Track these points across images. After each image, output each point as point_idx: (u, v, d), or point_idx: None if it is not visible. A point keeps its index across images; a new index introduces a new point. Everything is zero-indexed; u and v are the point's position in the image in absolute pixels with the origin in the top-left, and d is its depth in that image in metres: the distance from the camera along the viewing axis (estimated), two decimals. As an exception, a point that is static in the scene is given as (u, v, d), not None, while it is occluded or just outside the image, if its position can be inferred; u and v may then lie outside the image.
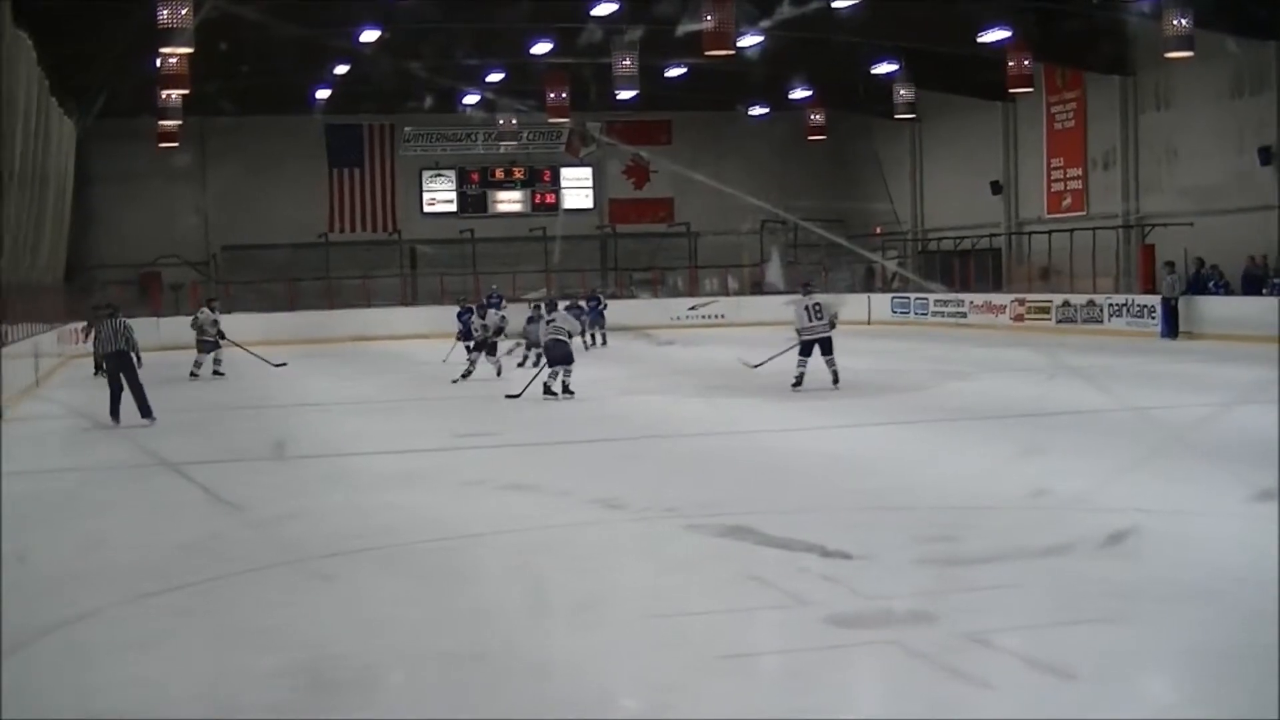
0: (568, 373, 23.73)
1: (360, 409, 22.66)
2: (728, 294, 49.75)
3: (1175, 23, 33.11)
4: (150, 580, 10.63)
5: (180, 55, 29.72)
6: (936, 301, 45.90)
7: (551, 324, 24.31)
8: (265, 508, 13.76)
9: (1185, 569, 10.06)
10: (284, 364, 28.87)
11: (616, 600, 9.86)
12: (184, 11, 26.93)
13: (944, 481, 14.45)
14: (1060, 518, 12.13)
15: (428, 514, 13.16)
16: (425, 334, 36.72)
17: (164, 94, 36.97)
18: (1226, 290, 36.05)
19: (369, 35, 36.59)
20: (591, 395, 24.82)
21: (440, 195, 56.36)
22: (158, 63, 31.61)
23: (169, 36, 27.47)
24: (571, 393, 23.67)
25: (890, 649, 8.33)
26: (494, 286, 44.67)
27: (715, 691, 7.77)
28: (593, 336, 37.28)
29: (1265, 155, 36.47)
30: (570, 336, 24.50)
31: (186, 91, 34.39)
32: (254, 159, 51.53)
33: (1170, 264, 38.16)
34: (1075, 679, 7.72)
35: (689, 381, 27.28)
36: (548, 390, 23.64)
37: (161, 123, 41.92)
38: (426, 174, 56.12)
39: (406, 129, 55.03)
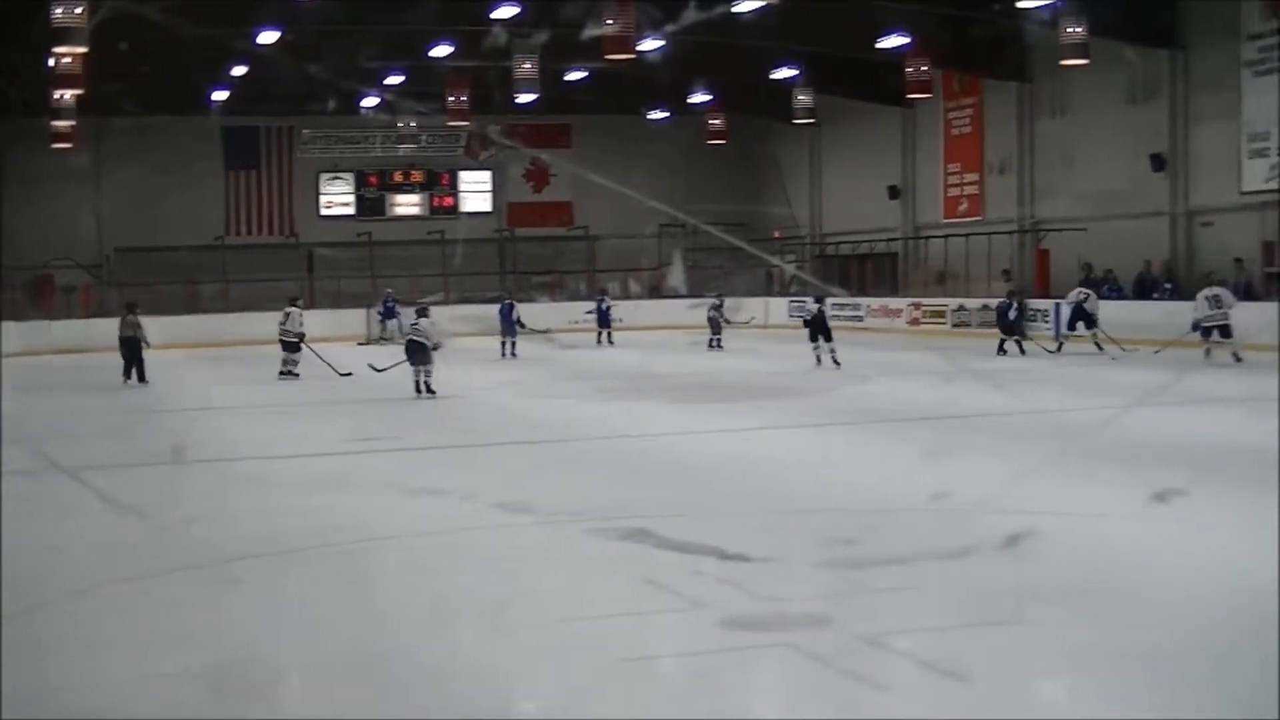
0: (427, 373, 25.34)
1: (262, 412, 22.54)
2: (628, 297, 49.69)
3: (1071, 30, 33.49)
4: (51, 586, 10.52)
5: (75, 55, 29.40)
6: (833, 305, 46.15)
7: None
8: (168, 512, 13.66)
9: (1083, 571, 10.17)
10: None
11: (519, 604, 9.85)
12: (79, 10, 26.65)
13: (845, 484, 14.54)
14: (960, 521, 12.23)
15: (334, 518, 13.09)
16: (325, 337, 36.46)
17: (58, 94, 36.55)
18: (1120, 295, 36.47)
19: (268, 36, 36.29)
20: (495, 398, 24.87)
21: (338, 198, 56.07)
22: (51, 62, 31.25)
23: (63, 36, 27.17)
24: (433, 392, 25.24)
25: (786, 652, 8.38)
26: (389, 290, 44.46)
27: (614, 694, 7.79)
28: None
29: (1158, 162, 36.96)
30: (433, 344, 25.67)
31: (81, 92, 34.03)
32: (150, 160, 51.00)
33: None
34: (970, 681, 7.79)
35: (592, 385, 27.30)
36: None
37: (55, 123, 41.43)
38: (324, 177, 55.81)
39: (305, 131, 54.66)
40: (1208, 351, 28.21)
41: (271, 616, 9.64)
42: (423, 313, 26.33)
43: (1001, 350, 32.24)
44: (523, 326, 36.59)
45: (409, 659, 8.50)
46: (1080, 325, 32.40)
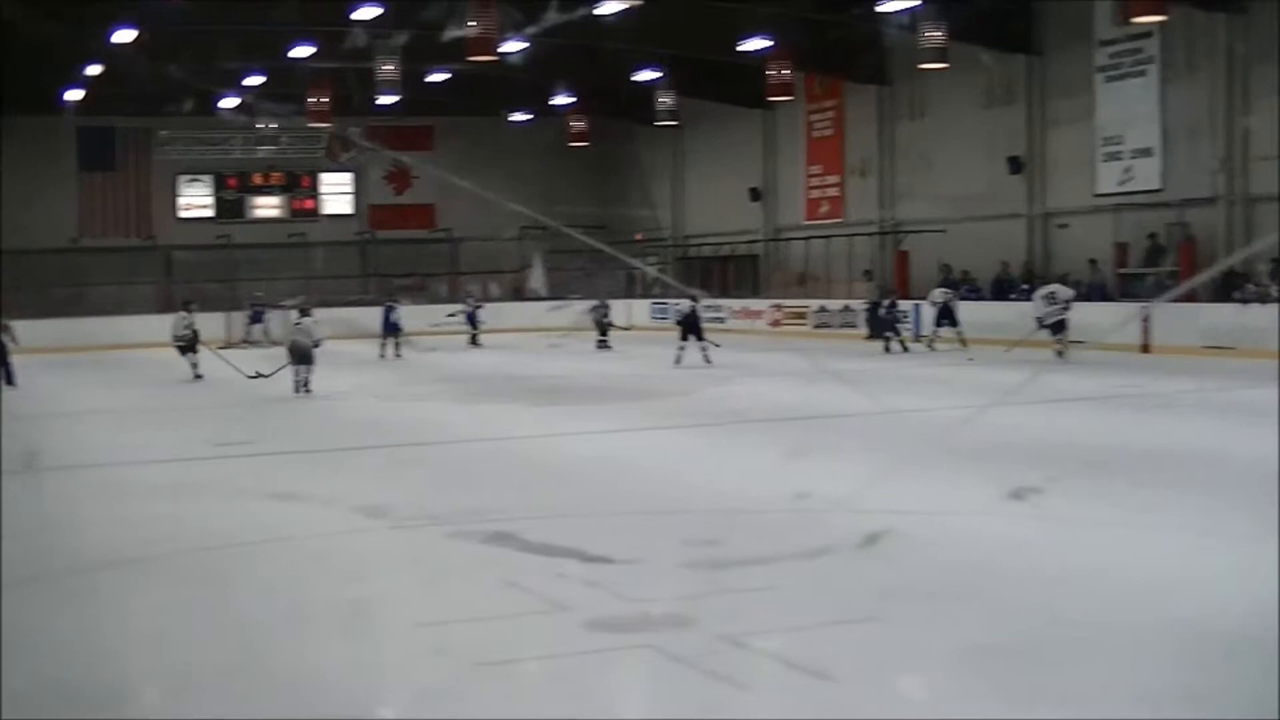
0: (309, 372, 25.74)
1: (118, 418, 22.21)
2: (489, 300, 49.55)
3: (930, 35, 33.84)
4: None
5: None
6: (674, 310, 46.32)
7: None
8: (21, 520, 13.37)
9: (941, 568, 10.25)
10: None
11: (380, 609, 9.76)
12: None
13: (708, 485, 14.56)
14: (821, 520, 12.28)
15: (190, 525, 12.92)
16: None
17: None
18: (978, 296, 36.93)
19: (123, 36, 35.72)
20: (357, 402, 24.71)
21: (197, 200, 55.43)
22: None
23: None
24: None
25: (650, 653, 8.37)
26: (259, 294, 44.12)
27: (477, 698, 7.74)
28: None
29: (1015, 164, 37.50)
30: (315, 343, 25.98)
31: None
32: (1, 161, 49.97)
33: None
34: (832, 679, 7.81)
35: (454, 388, 27.20)
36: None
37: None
38: (183, 179, 55.13)
39: (162, 132, 53.93)
40: (1060, 352, 28.83)
41: (126, 627, 9.46)
42: (305, 313, 26.69)
43: (888, 349, 33.51)
44: (400, 330, 36.67)
45: (268, 665, 8.39)
46: (945, 324, 33.61)
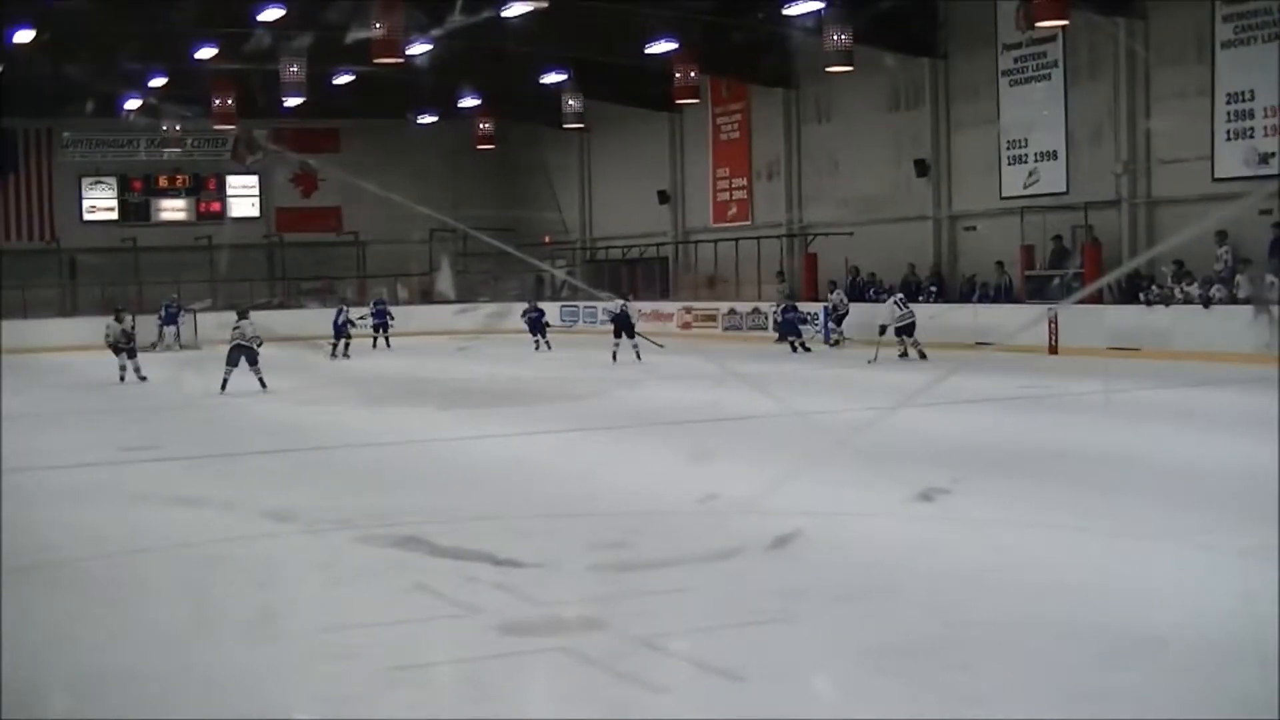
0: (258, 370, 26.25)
1: (20, 423, 21.90)
2: (397, 303, 49.31)
3: (835, 38, 33.99)
4: None
5: None
6: (605, 310, 46.32)
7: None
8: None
9: (850, 569, 10.29)
10: None
11: (289, 614, 9.72)
12: None
13: (616, 488, 14.57)
14: (729, 522, 12.31)
15: (95, 530, 12.79)
16: (86, 345, 35.65)
17: None
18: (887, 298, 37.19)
19: (22, 36, 35.31)
20: (261, 405, 24.52)
21: (101, 203, 54.81)
22: None
23: None
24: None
25: (562, 655, 8.37)
26: (175, 296, 43.72)
27: (389, 702, 7.70)
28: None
29: (921, 167, 37.74)
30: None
31: None
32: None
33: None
34: (744, 680, 7.83)
35: (360, 392, 27.06)
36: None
37: None
38: (86, 181, 54.51)
39: (65, 134, 53.32)
40: (904, 353, 30.25)
41: (30, 634, 9.34)
42: (244, 315, 26.84)
43: (795, 349, 34.43)
44: (349, 334, 37.37)
45: (176, 673, 8.32)
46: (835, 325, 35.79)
